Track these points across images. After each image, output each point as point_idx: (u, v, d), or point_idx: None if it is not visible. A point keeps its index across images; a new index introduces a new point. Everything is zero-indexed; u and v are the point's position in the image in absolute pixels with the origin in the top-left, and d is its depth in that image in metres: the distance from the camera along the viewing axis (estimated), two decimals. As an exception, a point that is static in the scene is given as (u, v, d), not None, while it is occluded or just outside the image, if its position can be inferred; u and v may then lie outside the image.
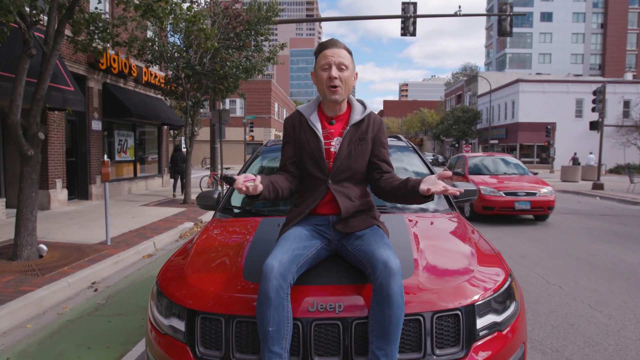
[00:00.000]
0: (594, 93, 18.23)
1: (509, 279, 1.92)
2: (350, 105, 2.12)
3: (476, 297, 1.73)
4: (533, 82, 44.73)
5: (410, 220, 2.40)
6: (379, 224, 2.01)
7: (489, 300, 1.76)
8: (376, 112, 2.20)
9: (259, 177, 1.77)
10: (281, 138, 2.34)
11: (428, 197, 1.80)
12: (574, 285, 4.87)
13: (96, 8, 8.34)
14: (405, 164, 3.21)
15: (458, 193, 1.70)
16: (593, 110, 18.38)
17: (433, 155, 56.07)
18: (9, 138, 5.59)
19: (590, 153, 32.98)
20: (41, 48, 5.74)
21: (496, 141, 48.18)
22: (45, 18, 6.22)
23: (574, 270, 5.51)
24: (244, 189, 1.72)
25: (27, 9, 5.59)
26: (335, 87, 1.96)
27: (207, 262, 2.01)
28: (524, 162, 43.81)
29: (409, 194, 1.86)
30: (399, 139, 3.55)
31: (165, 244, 7.48)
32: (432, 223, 2.49)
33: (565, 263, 5.90)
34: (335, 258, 1.95)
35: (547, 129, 37.62)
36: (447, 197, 2.82)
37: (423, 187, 1.77)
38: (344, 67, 1.98)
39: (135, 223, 8.77)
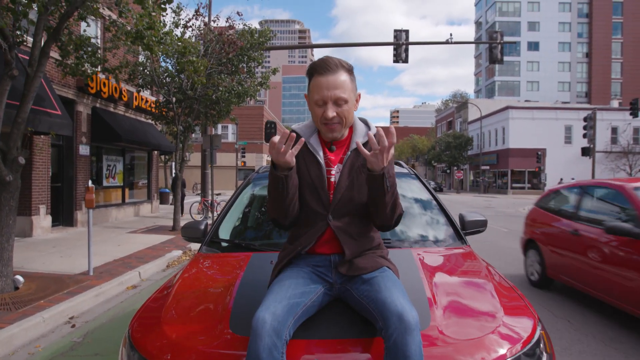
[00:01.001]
0: (585, 119, 18.39)
1: (539, 327, 1.66)
2: (353, 127, 1.83)
3: (504, 351, 1.46)
4: (522, 109, 45.45)
5: (419, 256, 2.15)
6: (389, 265, 1.72)
7: (519, 355, 1.49)
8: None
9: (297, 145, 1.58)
10: None
11: (375, 175, 1.56)
12: (582, 319, 4.61)
13: (84, 31, 8.19)
14: (406, 191, 2.98)
15: (388, 143, 1.51)
16: (584, 136, 18.50)
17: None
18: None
19: (572, 179, 33.32)
20: (25, 69, 5.52)
21: (487, 167, 48.51)
22: (30, 39, 6.04)
23: (581, 301, 5.26)
24: (282, 148, 1.53)
25: (10, 29, 5.39)
26: (332, 125, 1.70)
27: (188, 309, 1.73)
28: (516, 188, 44.29)
29: (367, 185, 1.65)
30: (400, 165, 3.33)
31: (152, 274, 7.13)
32: (444, 259, 2.24)
33: (570, 292, 5.65)
34: (337, 304, 1.67)
35: (538, 155, 38.02)
36: (455, 229, 2.58)
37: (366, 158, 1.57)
38: (342, 102, 1.67)
39: (121, 251, 8.40)
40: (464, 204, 26.09)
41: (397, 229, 2.43)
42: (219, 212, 5.50)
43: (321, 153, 1.76)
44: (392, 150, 1.54)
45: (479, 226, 2.65)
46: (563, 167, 41.62)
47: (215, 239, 2.45)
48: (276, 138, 1.51)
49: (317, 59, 1.72)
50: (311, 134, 1.81)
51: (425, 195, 2.84)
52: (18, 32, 5.52)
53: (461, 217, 2.71)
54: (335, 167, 1.75)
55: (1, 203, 5.30)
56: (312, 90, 1.69)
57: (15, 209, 5.42)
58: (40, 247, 8.62)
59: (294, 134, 1.56)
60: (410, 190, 2.97)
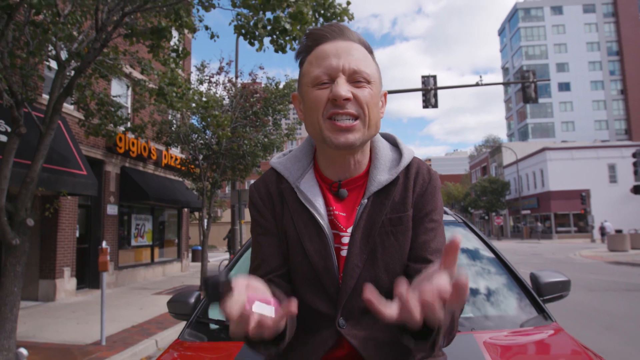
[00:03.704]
0: (634, 155, 17.20)
1: None
2: (372, 152, 1.08)
3: None
4: (560, 149, 43.86)
5: (486, 344, 1.46)
6: None
7: None
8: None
9: (292, 305, 0.74)
10: None
11: (418, 334, 0.81)
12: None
13: (105, 89, 8.20)
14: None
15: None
16: (635, 173, 17.22)
17: (462, 228, 54.10)
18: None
19: (606, 221, 31.92)
20: (39, 128, 5.34)
21: (528, 211, 46.38)
22: (45, 97, 5.93)
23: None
24: (253, 323, 0.71)
25: (19, 86, 5.26)
26: (346, 116, 0.94)
27: None
28: (561, 232, 41.80)
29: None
30: (445, 212, 2.67)
31: (169, 342, 6.51)
32: (526, 349, 1.52)
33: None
34: None
35: (582, 197, 36.11)
36: (531, 297, 1.82)
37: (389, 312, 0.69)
38: (362, 80, 0.96)
39: (141, 315, 7.89)
40: (509, 251, 24.51)
41: None
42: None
43: (321, 206, 1.02)
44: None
45: (560, 290, 1.91)
46: (610, 208, 39.22)
47: (203, 319, 1.86)
48: (232, 311, 0.70)
49: (318, 27, 1.03)
50: (302, 171, 1.07)
51: (481, 250, 2.15)
52: (30, 92, 5.40)
53: (534, 278, 1.96)
54: (350, 229, 1.02)
55: (7, 269, 4.93)
56: (311, 66, 0.99)
57: (21, 276, 5.02)
58: (59, 313, 8.22)
59: (259, 305, 0.72)
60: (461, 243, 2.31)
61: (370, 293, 0.70)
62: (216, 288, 0.70)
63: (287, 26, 5.08)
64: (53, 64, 6.44)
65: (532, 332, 1.61)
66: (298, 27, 5.17)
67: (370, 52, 1.04)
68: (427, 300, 0.67)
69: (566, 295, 1.95)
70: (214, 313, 1.89)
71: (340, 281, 0.99)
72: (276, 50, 5.56)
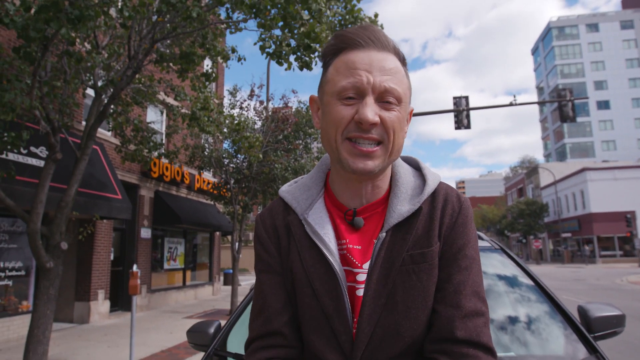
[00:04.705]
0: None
1: None
2: (393, 178, 0.97)
3: None
4: (601, 169, 42.09)
5: None
6: None
7: None
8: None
9: None
10: None
11: None
12: None
13: (139, 115, 8.44)
14: (491, 269, 2.16)
15: None
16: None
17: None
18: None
19: None
20: (75, 153, 5.50)
21: (569, 234, 44.42)
22: (84, 123, 6.13)
23: None
24: None
25: (55, 113, 5.45)
26: (368, 140, 0.86)
27: None
28: (605, 256, 39.72)
29: None
30: (480, 238, 2.49)
31: (198, 368, 6.44)
32: None
33: None
34: None
35: (627, 219, 34.36)
36: (580, 335, 1.62)
37: None
38: (392, 101, 0.87)
39: (171, 340, 7.86)
40: (549, 276, 23.41)
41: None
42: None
43: (331, 240, 0.91)
44: None
45: (614, 325, 1.70)
46: (659, 231, 37.05)
47: (221, 352, 1.76)
48: None
49: (350, 29, 0.92)
50: (311, 201, 0.98)
51: (520, 279, 1.97)
52: (66, 119, 5.59)
53: (582, 312, 1.76)
54: (366, 265, 0.90)
55: (40, 292, 5.02)
56: (333, 77, 0.89)
57: (54, 299, 5.10)
58: (92, 336, 8.30)
59: None
60: (495, 270, 2.15)
61: None
62: None
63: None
64: (90, 92, 6.69)
65: None
66: (318, 46, 5.17)
67: (404, 63, 0.94)
68: None
69: (620, 332, 1.74)
70: (233, 344, 1.79)
71: (355, 327, 0.87)
72: (301, 68, 5.57)
